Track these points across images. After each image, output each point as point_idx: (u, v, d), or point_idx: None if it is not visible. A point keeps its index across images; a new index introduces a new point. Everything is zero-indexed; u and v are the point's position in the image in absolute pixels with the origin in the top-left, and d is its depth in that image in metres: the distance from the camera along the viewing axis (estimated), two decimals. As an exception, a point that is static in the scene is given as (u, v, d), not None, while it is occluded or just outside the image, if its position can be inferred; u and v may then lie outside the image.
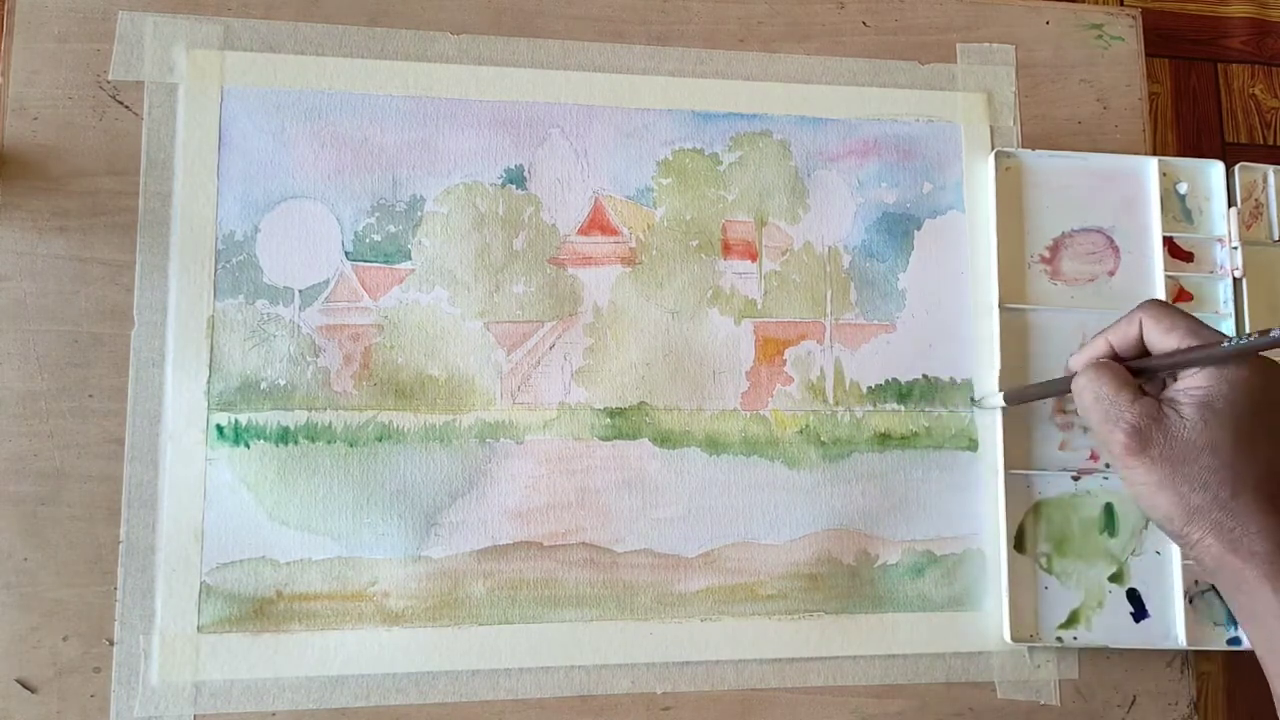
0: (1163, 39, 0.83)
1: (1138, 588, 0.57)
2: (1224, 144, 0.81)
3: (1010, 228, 0.60)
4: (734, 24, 0.61)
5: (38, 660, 0.50)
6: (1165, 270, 0.60)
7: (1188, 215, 0.61)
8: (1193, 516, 0.40)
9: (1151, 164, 0.61)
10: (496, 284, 0.56)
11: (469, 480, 0.54)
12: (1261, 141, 0.82)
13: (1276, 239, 0.61)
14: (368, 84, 0.56)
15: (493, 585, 0.53)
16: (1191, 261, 0.61)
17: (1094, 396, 0.42)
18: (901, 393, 0.58)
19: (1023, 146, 0.62)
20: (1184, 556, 0.56)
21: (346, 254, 0.55)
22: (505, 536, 0.54)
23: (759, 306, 0.58)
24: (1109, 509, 0.58)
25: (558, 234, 0.57)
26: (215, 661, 0.51)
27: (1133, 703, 0.57)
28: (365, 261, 0.55)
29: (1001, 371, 0.57)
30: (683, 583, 0.55)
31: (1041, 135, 0.62)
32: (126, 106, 0.54)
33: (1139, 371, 0.43)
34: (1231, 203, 0.61)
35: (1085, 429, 0.58)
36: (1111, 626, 0.56)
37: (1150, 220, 0.60)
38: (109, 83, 0.54)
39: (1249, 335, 0.38)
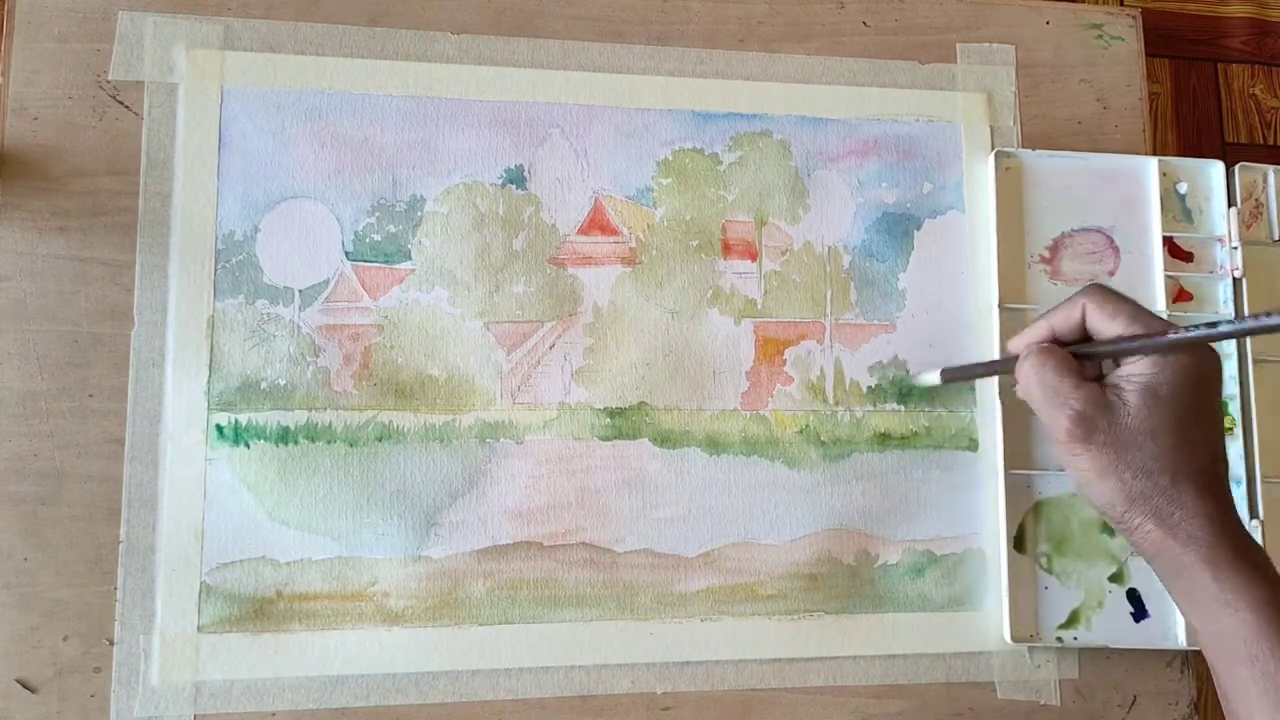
0: (1163, 39, 0.83)
1: (1138, 588, 0.57)
2: (1224, 144, 0.81)
3: (1010, 228, 0.60)
4: (734, 24, 0.61)
5: (38, 660, 0.50)
6: (1165, 270, 0.60)
7: (1188, 215, 0.61)
8: (1133, 502, 0.40)
9: (1151, 164, 0.61)
10: (496, 284, 0.56)
11: (469, 480, 0.54)
12: (1261, 141, 0.82)
13: (1276, 239, 0.61)
14: (368, 84, 0.57)
15: (493, 585, 0.53)
16: (1191, 261, 0.61)
17: (1039, 382, 0.42)
18: (901, 393, 0.58)
19: (1023, 146, 0.62)
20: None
21: (346, 254, 0.55)
22: (505, 536, 0.54)
23: (759, 306, 0.58)
24: (1109, 509, 0.58)
25: (558, 234, 0.57)
26: (215, 661, 0.51)
27: (1133, 703, 0.57)
28: (365, 261, 0.55)
29: (1001, 371, 0.57)
30: (683, 583, 0.55)
31: (1041, 135, 0.62)
32: (126, 106, 0.54)
33: (1081, 356, 0.43)
34: (1231, 203, 0.61)
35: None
36: (1111, 626, 0.56)
37: (1150, 220, 0.61)
38: (109, 83, 0.54)
39: (1195, 326, 0.38)
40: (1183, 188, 0.61)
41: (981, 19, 0.63)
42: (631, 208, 0.58)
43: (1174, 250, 0.60)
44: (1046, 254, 0.60)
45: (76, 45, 0.54)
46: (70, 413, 0.51)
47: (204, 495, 0.52)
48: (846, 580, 0.56)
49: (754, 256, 0.58)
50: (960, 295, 0.59)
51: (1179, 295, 0.60)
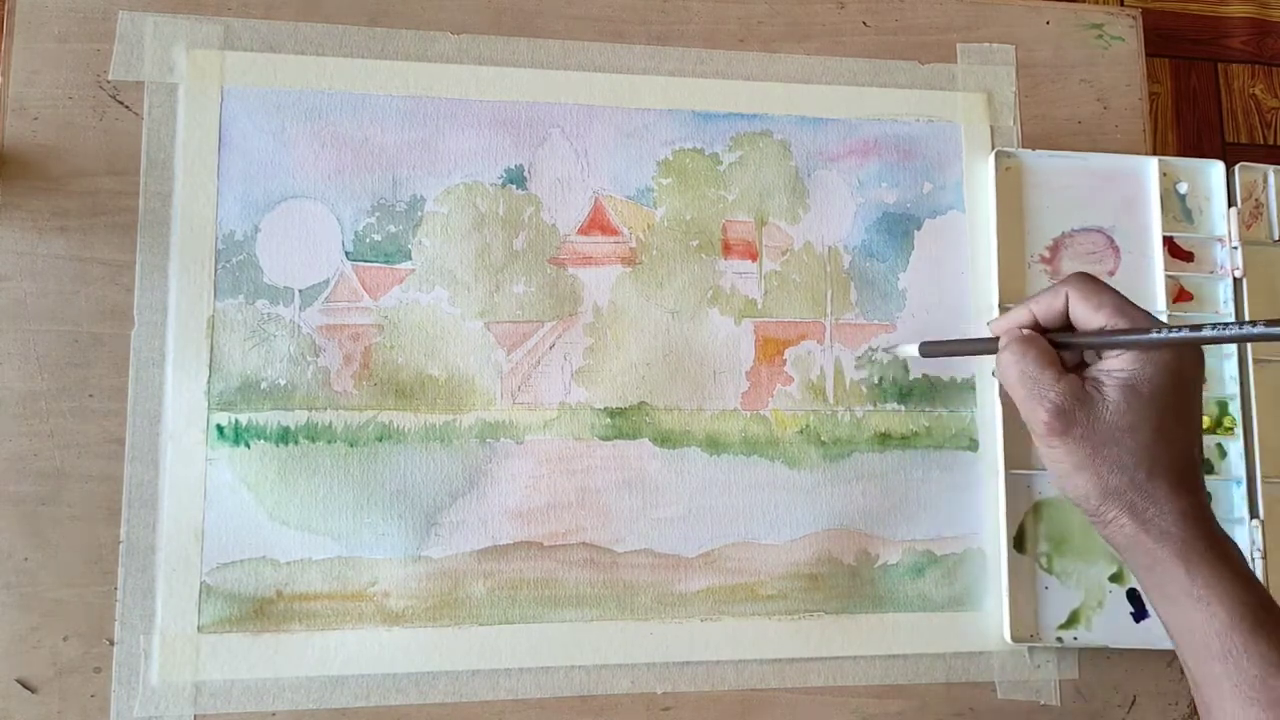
0: (1163, 39, 0.83)
1: (1138, 588, 0.57)
2: (1224, 144, 0.81)
3: (1010, 228, 0.60)
4: (734, 24, 0.61)
5: (38, 660, 0.50)
6: (1165, 270, 0.60)
7: (1188, 215, 0.61)
8: (1108, 496, 0.40)
9: (1152, 164, 0.61)
10: (496, 284, 0.56)
11: (469, 480, 0.54)
12: (1261, 141, 0.82)
13: (1276, 239, 0.61)
14: (368, 84, 0.56)
15: (493, 585, 0.53)
16: (1191, 261, 0.61)
17: (1019, 372, 0.42)
18: (901, 393, 0.58)
19: (1023, 146, 0.62)
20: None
21: (346, 254, 0.55)
22: (505, 536, 0.54)
23: (759, 306, 0.58)
24: (1109, 509, 0.58)
25: (558, 234, 0.57)
26: (215, 661, 0.51)
27: (1133, 703, 0.57)
28: (365, 261, 0.55)
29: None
30: (683, 583, 0.55)
31: (1041, 135, 0.62)
32: (126, 106, 0.54)
33: (1061, 345, 0.42)
34: (1232, 203, 0.61)
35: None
36: (1111, 626, 0.56)
37: (1150, 220, 0.60)
38: (109, 83, 0.54)
39: (1178, 326, 0.38)
40: (1183, 188, 0.61)
41: (981, 19, 0.63)
42: (632, 208, 0.58)
43: (1174, 250, 0.60)
44: (1047, 254, 0.60)
45: (76, 45, 0.54)
46: (70, 413, 0.51)
47: (204, 495, 0.52)
48: (846, 580, 0.56)
49: (754, 256, 0.58)
50: (960, 295, 0.59)
51: (1179, 295, 0.60)
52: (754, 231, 0.59)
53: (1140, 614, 0.57)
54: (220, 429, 0.52)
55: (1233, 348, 0.59)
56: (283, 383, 0.53)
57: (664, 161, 0.58)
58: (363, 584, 0.52)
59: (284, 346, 0.54)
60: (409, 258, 0.55)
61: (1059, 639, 0.56)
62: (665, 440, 0.56)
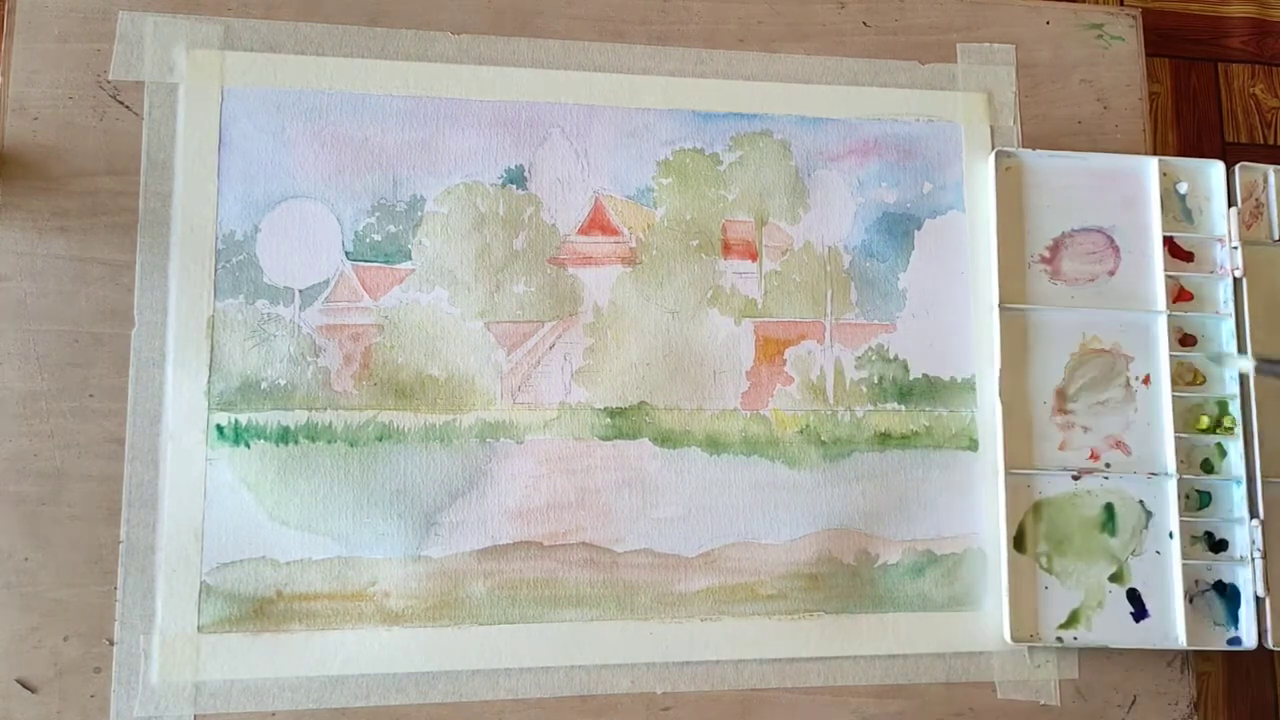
0: (1163, 39, 0.83)
1: (1138, 588, 0.57)
2: (1224, 144, 0.81)
3: (1010, 228, 0.60)
4: (734, 24, 0.61)
5: (38, 660, 0.50)
6: (1165, 270, 0.60)
7: (1188, 215, 0.61)
8: None
9: (1152, 164, 0.61)
10: (497, 284, 0.56)
11: (469, 480, 0.54)
12: (1261, 141, 0.82)
13: (1276, 239, 0.61)
14: (368, 84, 0.57)
15: (493, 585, 0.53)
16: (1191, 261, 0.60)
17: None
18: (901, 392, 0.58)
19: (1023, 146, 0.62)
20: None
21: (347, 254, 0.55)
22: (505, 536, 0.54)
23: (759, 306, 0.58)
24: (1109, 509, 0.58)
25: (558, 234, 0.57)
26: (215, 661, 0.51)
27: (1133, 703, 0.57)
28: (365, 261, 0.55)
29: (1001, 371, 0.57)
30: (683, 583, 0.55)
31: (1041, 135, 0.62)
32: (127, 106, 0.54)
33: None
34: (1232, 203, 0.61)
35: (1085, 429, 0.58)
36: (1111, 626, 0.56)
37: (1150, 220, 0.60)
38: (109, 83, 0.54)
39: None
40: (1183, 188, 0.61)
41: (981, 19, 0.63)
42: (632, 208, 0.58)
43: (1174, 250, 0.60)
44: (1046, 254, 0.60)
45: (76, 45, 0.54)
46: (70, 413, 0.51)
47: (204, 495, 0.52)
48: (846, 580, 0.56)
49: (754, 256, 0.58)
50: (960, 295, 0.59)
51: (1179, 295, 0.60)
52: (754, 231, 0.59)
53: (1140, 614, 0.57)
54: (220, 429, 0.52)
55: (1233, 348, 0.59)
56: (283, 383, 0.53)
57: (664, 161, 0.58)
58: (363, 584, 0.52)
59: (284, 346, 0.54)
60: (409, 258, 0.55)
61: (1059, 639, 0.56)
62: (665, 440, 0.56)
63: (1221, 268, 0.60)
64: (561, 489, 0.55)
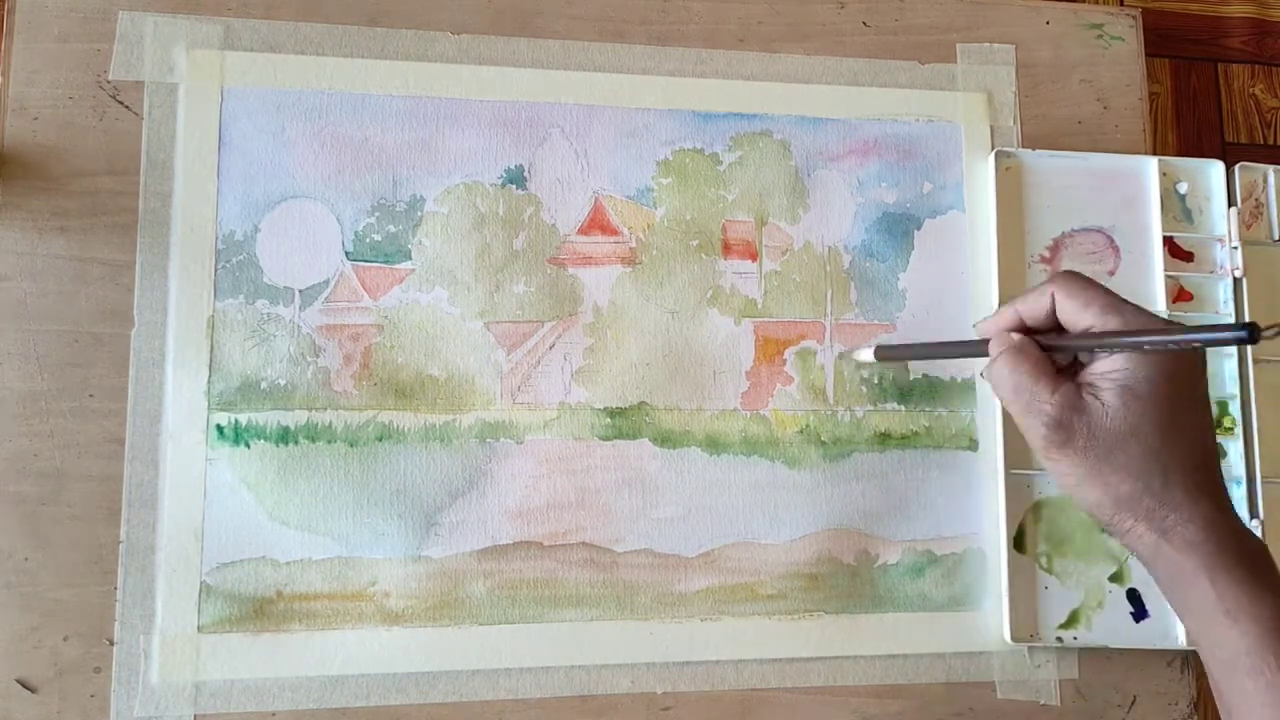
0: (1163, 39, 0.83)
1: (1138, 588, 0.57)
2: (1224, 144, 0.82)
3: (1010, 228, 0.60)
4: (734, 24, 0.61)
5: (38, 660, 0.50)
6: (1165, 270, 0.60)
7: (1188, 215, 0.61)
8: (1121, 506, 0.38)
9: (1151, 164, 0.61)
10: (496, 284, 0.56)
11: (469, 480, 0.54)
12: (1261, 141, 0.82)
13: (1276, 239, 0.61)
14: (368, 84, 0.57)
15: (493, 585, 0.53)
16: (1191, 261, 0.61)
17: (1012, 385, 0.40)
18: (901, 392, 0.58)
19: (1023, 146, 0.62)
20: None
21: (347, 254, 0.55)
22: (505, 536, 0.54)
23: (759, 306, 0.58)
24: (1109, 509, 0.58)
25: (558, 234, 0.57)
26: (215, 661, 0.51)
27: (1133, 703, 0.57)
28: (365, 261, 0.55)
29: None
30: (683, 583, 0.55)
31: (1041, 135, 0.62)
32: (127, 106, 0.54)
33: (1051, 347, 0.40)
34: (1231, 203, 0.61)
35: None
36: (1111, 626, 0.56)
37: (1150, 220, 0.60)
38: (109, 83, 0.54)
39: (1170, 324, 0.36)
40: (1183, 188, 0.61)
41: (981, 19, 0.63)
42: (632, 208, 0.58)
43: (1174, 250, 0.60)
44: (1047, 254, 0.60)
45: (76, 45, 0.54)
46: (70, 413, 0.51)
47: (204, 495, 0.52)
48: (846, 580, 0.56)
49: (754, 256, 0.58)
50: (960, 295, 0.59)
51: (1179, 295, 0.60)
52: (754, 231, 0.59)
53: (1140, 614, 0.57)
54: (220, 429, 0.52)
55: (1233, 347, 0.59)
56: (283, 383, 0.53)
57: (664, 161, 0.58)
58: (363, 584, 0.52)
59: (284, 346, 0.54)
60: (409, 258, 0.55)
61: (1059, 639, 0.56)
62: (665, 440, 0.56)
63: (1221, 268, 0.60)
64: (561, 489, 0.55)
